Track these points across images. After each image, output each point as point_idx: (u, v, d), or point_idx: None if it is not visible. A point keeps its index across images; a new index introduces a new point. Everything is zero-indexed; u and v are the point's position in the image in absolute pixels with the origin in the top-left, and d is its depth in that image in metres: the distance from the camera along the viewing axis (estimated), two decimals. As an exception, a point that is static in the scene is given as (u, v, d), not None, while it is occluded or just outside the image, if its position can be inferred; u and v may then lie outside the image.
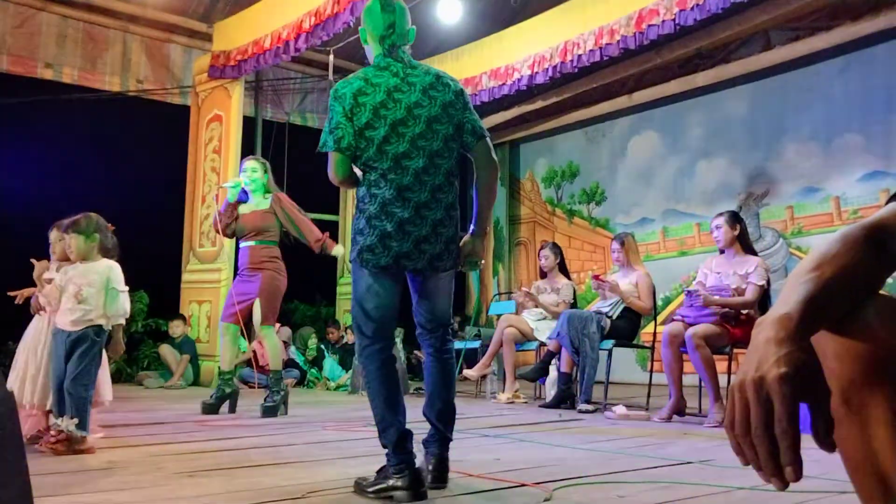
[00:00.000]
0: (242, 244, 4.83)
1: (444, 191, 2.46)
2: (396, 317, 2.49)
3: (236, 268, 5.03)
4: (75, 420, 3.01)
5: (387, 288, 2.43)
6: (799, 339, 0.82)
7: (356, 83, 2.42)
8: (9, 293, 3.64)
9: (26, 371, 3.33)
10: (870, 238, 0.93)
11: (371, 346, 2.42)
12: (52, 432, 3.03)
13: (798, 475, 0.78)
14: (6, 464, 0.85)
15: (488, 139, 2.57)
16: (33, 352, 3.37)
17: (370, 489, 2.26)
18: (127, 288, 3.30)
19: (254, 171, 4.86)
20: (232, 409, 4.73)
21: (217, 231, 4.86)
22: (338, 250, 4.96)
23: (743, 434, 0.80)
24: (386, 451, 2.33)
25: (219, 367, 4.94)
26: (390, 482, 2.23)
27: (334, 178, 2.45)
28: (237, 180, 4.88)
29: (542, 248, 6.14)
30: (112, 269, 3.28)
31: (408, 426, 2.41)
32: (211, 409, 4.62)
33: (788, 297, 0.87)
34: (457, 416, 2.73)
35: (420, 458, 2.40)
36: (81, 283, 3.19)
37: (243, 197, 4.86)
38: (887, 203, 1.02)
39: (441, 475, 2.40)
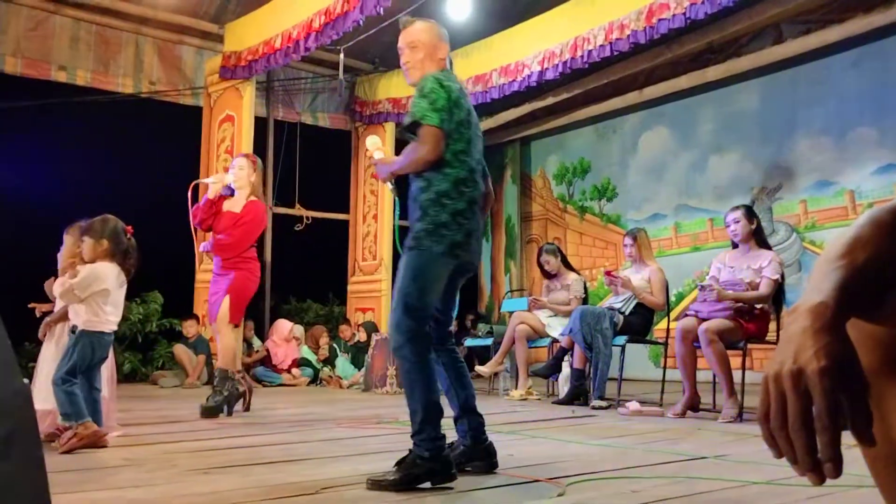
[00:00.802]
0: (214, 236, 4.71)
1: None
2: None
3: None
4: (61, 413, 3.07)
5: (450, 285, 2.57)
6: (836, 328, 0.79)
7: (456, 83, 2.59)
8: (30, 305, 3.66)
9: (45, 372, 3.37)
10: None
11: (421, 329, 2.45)
12: (63, 436, 3.06)
13: (838, 472, 0.75)
14: (23, 455, 0.85)
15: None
16: (53, 353, 3.41)
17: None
18: (102, 288, 3.25)
19: (241, 169, 4.76)
20: (246, 408, 4.65)
21: (191, 225, 4.71)
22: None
23: (779, 427, 0.78)
24: (417, 438, 2.38)
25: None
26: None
27: (431, 153, 2.48)
28: (220, 176, 4.81)
29: (539, 255, 6.12)
30: (91, 271, 3.26)
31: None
32: (213, 412, 4.43)
33: (821, 285, 0.84)
34: None
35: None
36: (73, 287, 3.23)
37: (227, 192, 4.77)
38: None
39: (495, 460, 2.60)
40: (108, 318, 3.30)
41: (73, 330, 3.25)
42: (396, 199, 2.71)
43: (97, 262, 3.30)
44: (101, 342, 3.27)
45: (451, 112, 2.49)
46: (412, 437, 2.40)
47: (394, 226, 2.75)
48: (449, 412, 2.59)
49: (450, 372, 2.64)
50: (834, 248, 0.88)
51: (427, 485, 2.31)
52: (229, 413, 4.47)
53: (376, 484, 2.28)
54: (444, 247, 2.45)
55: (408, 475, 2.29)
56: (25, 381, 0.91)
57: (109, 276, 3.29)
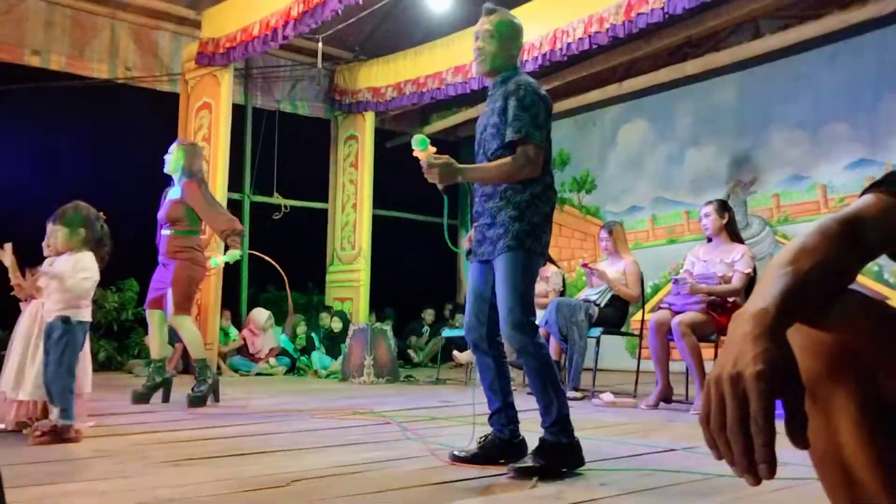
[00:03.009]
0: (161, 232, 4.70)
1: None
2: None
3: None
4: (59, 408, 3.02)
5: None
6: (775, 334, 0.81)
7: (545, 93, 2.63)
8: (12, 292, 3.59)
9: (16, 359, 3.32)
10: (845, 231, 0.94)
11: (535, 324, 2.54)
12: (39, 427, 3.03)
13: (772, 473, 0.78)
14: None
15: None
16: (25, 341, 3.35)
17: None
18: (88, 276, 3.20)
19: (169, 155, 4.75)
20: (165, 399, 4.57)
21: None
22: (231, 256, 4.71)
23: (718, 429, 0.80)
24: (566, 422, 2.46)
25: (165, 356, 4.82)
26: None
27: (535, 172, 2.56)
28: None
29: None
30: (77, 261, 3.21)
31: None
32: (142, 398, 4.46)
33: (765, 291, 0.86)
34: (444, 405, 2.78)
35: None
36: (51, 276, 3.18)
37: (172, 183, 4.79)
38: (862, 195, 1.03)
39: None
40: (89, 307, 3.27)
41: (66, 321, 3.14)
42: (446, 196, 2.70)
43: (79, 252, 3.25)
44: (85, 331, 3.24)
45: (547, 126, 2.60)
46: (548, 427, 2.47)
47: (444, 224, 2.76)
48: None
49: (497, 365, 2.70)
50: (782, 256, 0.91)
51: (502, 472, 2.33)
52: (216, 400, 4.53)
53: (521, 471, 2.34)
54: (542, 246, 2.58)
55: (550, 462, 2.39)
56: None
57: (89, 265, 3.25)
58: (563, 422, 2.47)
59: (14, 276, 3.45)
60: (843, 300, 0.89)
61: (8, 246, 3.41)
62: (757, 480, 0.78)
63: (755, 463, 0.78)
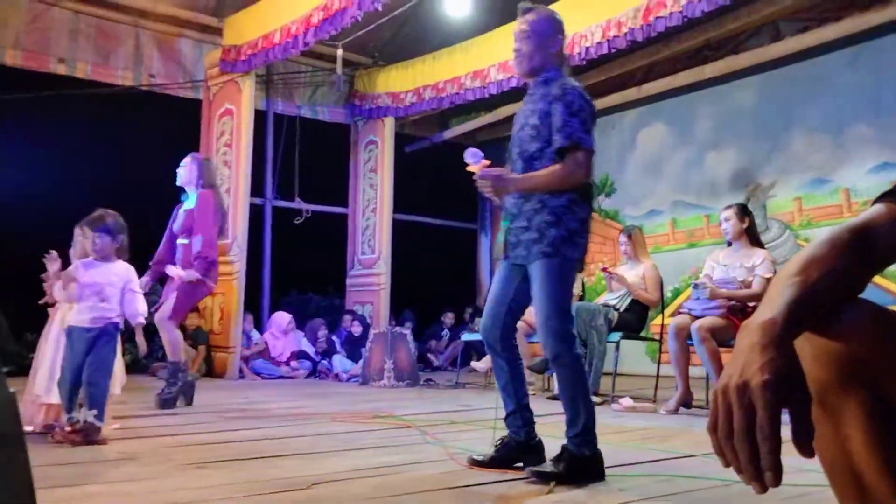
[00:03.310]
0: (178, 241, 4.79)
1: None
2: None
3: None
4: (94, 411, 3.08)
5: None
6: (782, 345, 0.83)
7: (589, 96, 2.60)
8: (41, 301, 3.65)
9: (47, 364, 3.40)
10: (855, 241, 0.94)
11: (573, 333, 2.56)
12: (67, 424, 3.09)
13: (778, 481, 0.79)
14: (8, 459, 0.89)
15: None
16: (56, 345, 3.43)
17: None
18: (139, 289, 3.39)
19: (183, 167, 4.86)
20: (188, 402, 4.63)
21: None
22: (175, 272, 4.72)
23: (725, 438, 0.82)
24: (591, 430, 2.47)
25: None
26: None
27: (587, 177, 2.57)
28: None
29: None
30: (130, 272, 3.39)
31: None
32: (168, 403, 4.51)
33: (773, 301, 0.88)
34: (463, 408, 2.78)
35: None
36: (104, 283, 3.26)
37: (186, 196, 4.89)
38: (874, 203, 1.04)
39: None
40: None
41: (116, 327, 3.27)
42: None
43: (119, 261, 3.37)
44: (118, 331, 3.33)
45: (593, 129, 2.58)
46: (572, 437, 2.48)
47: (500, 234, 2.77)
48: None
49: (511, 367, 2.71)
50: (790, 266, 0.92)
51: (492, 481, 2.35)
52: (189, 403, 4.57)
53: (540, 475, 2.37)
54: (579, 253, 2.56)
55: (569, 471, 2.38)
56: (12, 389, 0.95)
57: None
58: (588, 434, 2.47)
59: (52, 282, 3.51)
60: (852, 309, 0.90)
61: (55, 254, 3.49)
62: (763, 488, 0.79)
63: (761, 470, 0.79)
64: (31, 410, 3.38)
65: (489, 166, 2.63)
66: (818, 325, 0.89)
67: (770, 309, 0.86)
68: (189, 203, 4.83)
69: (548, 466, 2.42)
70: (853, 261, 0.92)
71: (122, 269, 3.36)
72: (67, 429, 3.07)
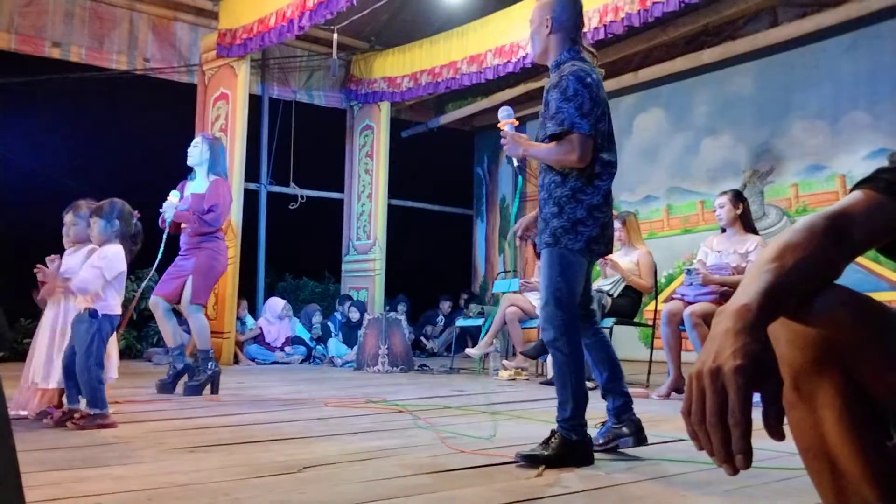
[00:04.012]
0: (183, 225, 4.71)
1: None
2: None
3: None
4: (87, 398, 3.11)
5: (585, 274, 2.62)
6: (755, 330, 0.84)
7: (596, 74, 2.57)
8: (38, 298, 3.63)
9: (44, 350, 3.41)
10: (832, 227, 0.95)
11: (573, 321, 2.56)
12: (76, 413, 3.12)
13: (748, 463, 0.80)
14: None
15: None
16: (50, 330, 3.44)
17: (600, 447, 2.61)
18: (118, 272, 3.28)
19: (195, 147, 4.76)
20: (214, 390, 4.59)
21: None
22: (170, 205, 4.57)
23: (698, 422, 0.83)
24: (566, 424, 2.49)
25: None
26: (620, 429, 2.64)
27: (582, 162, 2.51)
28: (170, 202, 4.60)
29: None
30: (101, 252, 3.28)
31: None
32: (167, 387, 4.52)
33: (748, 288, 0.88)
34: (457, 393, 2.81)
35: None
36: (77, 269, 3.26)
37: (193, 176, 4.82)
38: (852, 190, 1.05)
39: (645, 434, 2.65)
40: (121, 300, 3.35)
41: (93, 314, 3.22)
42: (521, 178, 2.77)
43: (110, 245, 3.32)
44: (114, 324, 3.31)
45: (594, 112, 2.52)
46: (561, 421, 2.51)
47: (513, 210, 2.86)
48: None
49: (593, 353, 2.73)
50: (766, 253, 0.92)
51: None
52: (214, 391, 4.54)
53: (528, 458, 2.39)
54: (581, 244, 2.53)
55: (558, 454, 2.41)
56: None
57: (124, 259, 3.33)
58: (577, 419, 2.49)
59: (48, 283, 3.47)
60: (828, 294, 0.91)
61: (56, 257, 3.48)
62: (734, 470, 0.80)
63: (732, 453, 0.80)
64: (26, 396, 3.40)
65: (517, 127, 2.65)
66: (794, 309, 0.90)
67: (745, 295, 0.87)
68: (198, 187, 4.73)
69: (536, 449, 2.44)
70: (829, 247, 0.92)
71: (105, 253, 3.29)
72: (76, 417, 3.09)
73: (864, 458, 0.89)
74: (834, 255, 0.93)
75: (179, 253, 4.74)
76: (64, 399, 3.31)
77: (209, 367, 4.55)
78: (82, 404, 3.16)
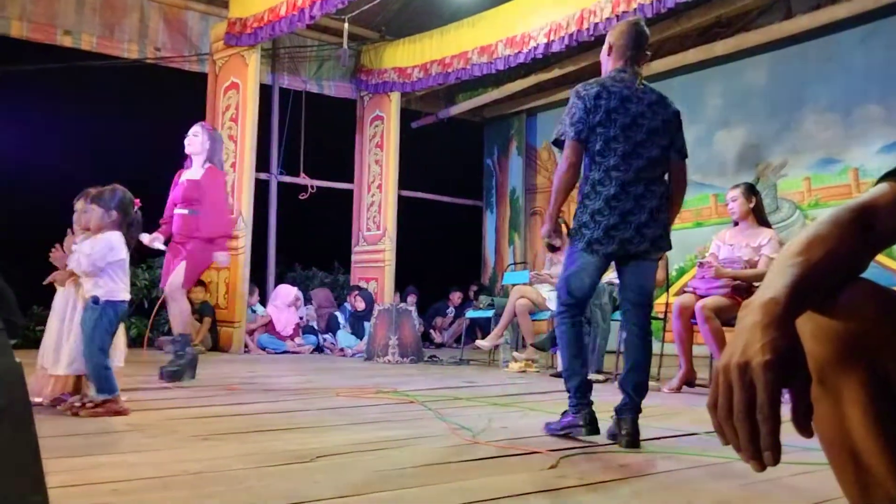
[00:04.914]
0: (176, 211, 4.73)
1: (658, 184, 2.85)
2: (591, 295, 2.98)
3: None
4: (94, 384, 3.12)
5: (597, 270, 2.85)
6: (784, 324, 0.83)
7: (596, 88, 2.84)
8: (45, 282, 3.64)
9: (53, 336, 3.42)
10: (858, 220, 0.94)
11: (566, 312, 2.87)
12: (88, 400, 3.14)
13: (776, 459, 0.79)
14: (15, 429, 0.91)
15: (685, 161, 2.98)
16: (59, 317, 3.45)
17: (559, 430, 2.80)
18: (115, 259, 3.27)
19: (195, 136, 4.79)
20: (191, 376, 4.61)
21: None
22: (217, 260, 4.80)
23: (725, 416, 0.82)
24: (569, 395, 2.82)
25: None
26: (570, 419, 2.78)
27: (566, 160, 2.82)
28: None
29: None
30: (96, 242, 3.27)
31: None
32: (174, 376, 4.51)
33: (775, 281, 0.87)
34: (467, 384, 2.84)
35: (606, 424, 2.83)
36: (82, 255, 3.26)
37: (189, 164, 4.86)
38: (878, 182, 1.03)
39: (635, 440, 2.67)
40: (126, 286, 3.35)
41: (95, 301, 3.23)
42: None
43: (107, 232, 3.33)
44: (121, 311, 3.32)
45: (586, 120, 2.79)
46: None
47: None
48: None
49: (630, 336, 2.90)
50: (792, 245, 0.91)
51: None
52: (192, 376, 4.56)
53: (551, 431, 2.80)
54: (583, 244, 2.81)
55: (563, 425, 2.78)
56: (18, 360, 0.95)
57: (123, 246, 3.33)
58: (569, 392, 2.81)
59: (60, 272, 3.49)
60: (853, 288, 0.90)
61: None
62: (762, 467, 0.80)
63: (760, 449, 0.79)
64: (40, 383, 3.41)
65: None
66: (819, 303, 0.89)
67: (772, 288, 0.86)
68: (193, 174, 4.78)
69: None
70: (855, 240, 0.91)
71: (93, 242, 3.29)
72: (90, 404, 3.11)
73: (890, 453, 0.88)
74: (860, 248, 0.92)
75: (172, 242, 4.75)
76: (85, 386, 3.32)
77: (188, 351, 4.55)
78: (92, 391, 3.17)
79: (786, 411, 0.79)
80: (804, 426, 0.80)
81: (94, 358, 3.16)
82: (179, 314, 4.62)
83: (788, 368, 0.80)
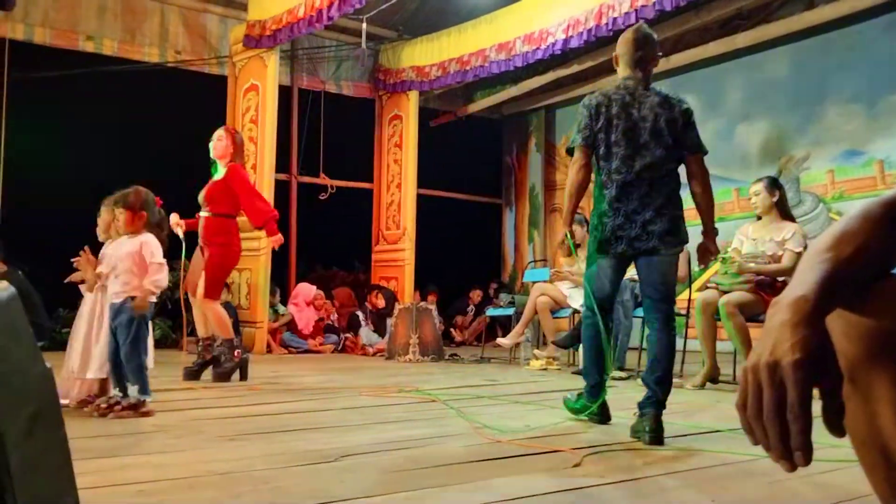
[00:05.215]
0: (201, 213, 4.78)
1: (663, 183, 2.92)
2: (614, 294, 3.09)
3: None
4: (137, 385, 3.17)
5: (615, 272, 2.99)
6: (814, 322, 0.81)
7: (598, 98, 3.00)
8: (66, 280, 3.69)
9: (81, 341, 3.47)
10: (889, 215, 0.92)
11: (588, 313, 3.05)
12: (116, 402, 3.18)
13: (808, 460, 0.78)
14: (47, 433, 0.92)
15: (702, 154, 3.04)
16: (88, 321, 3.50)
17: (572, 406, 3.16)
18: (161, 260, 3.34)
19: (219, 140, 4.84)
20: (243, 377, 4.68)
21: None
22: (276, 241, 4.84)
23: (755, 416, 0.81)
24: (585, 385, 3.11)
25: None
26: (585, 402, 3.10)
27: (575, 162, 3.03)
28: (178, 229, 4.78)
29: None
30: (144, 244, 3.33)
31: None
32: (193, 375, 4.60)
33: (805, 278, 0.86)
34: (488, 383, 2.88)
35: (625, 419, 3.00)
36: (117, 259, 3.30)
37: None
38: None
39: (658, 434, 2.68)
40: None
41: (120, 308, 3.26)
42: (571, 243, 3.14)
43: (144, 234, 3.37)
44: (151, 312, 3.36)
45: (591, 126, 2.98)
46: None
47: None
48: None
49: (652, 333, 2.97)
50: (822, 241, 0.90)
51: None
52: (243, 378, 4.62)
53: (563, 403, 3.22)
54: (595, 245, 2.98)
55: (579, 408, 3.13)
56: (48, 364, 0.97)
57: (160, 247, 3.38)
58: (589, 384, 3.09)
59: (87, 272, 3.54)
60: (884, 284, 0.88)
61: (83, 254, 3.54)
62: (792, 467, 0.79)
63: (791, 449, 0.78)
64: (66, 385, 3.46)
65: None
66: (850, 301, 0.88)
67: (801, 286, 0.84)
68: (217, 176, 4.83)
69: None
70: (886, 236, 0.90)
71: (134, 244, 3.34)
72: (118, 407, 3.15)
73: (921, 451, 0.87)
74: (891, 244, 0.90)
75: (199, 245, 4.81)
76: (111, 387, 3.36)
77: (236, 354, 4.62)
78: (132, 391, 3.20)
79: (816, 410, 0.78)
80: (836, 425, 0.79)
81: (135, 359, 3.20)
82: (215, 321, 4.66)
83: (819, 367, 0.79)
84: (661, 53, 3.15)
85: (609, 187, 2.92)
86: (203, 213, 4.76)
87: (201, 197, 4.79)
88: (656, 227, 2.85)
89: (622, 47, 3.05)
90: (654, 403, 2.74)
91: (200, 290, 4.64)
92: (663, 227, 2.86)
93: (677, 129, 2.93)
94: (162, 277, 3.33)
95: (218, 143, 4.84)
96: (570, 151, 3.09)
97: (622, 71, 3.06)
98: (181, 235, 4.74)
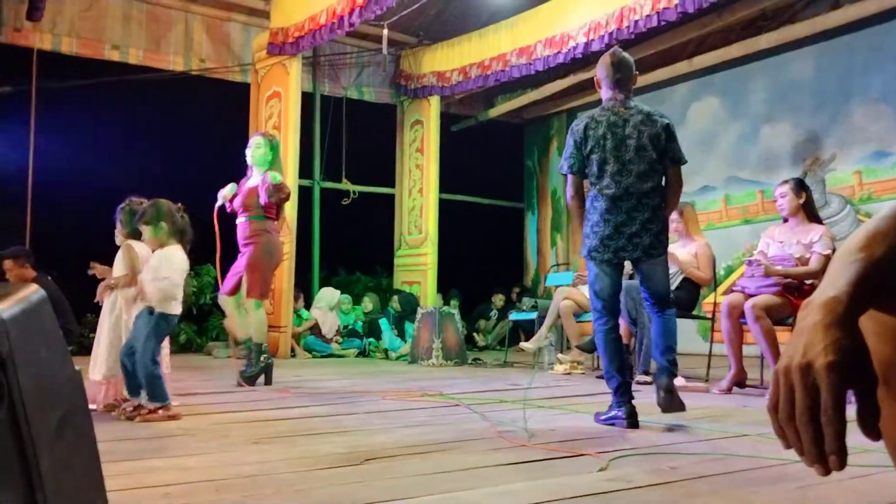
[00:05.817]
0: (238, 220, 4.82)
1: (649, 197, 3.17)
2: (619, 298, 3.28)
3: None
4: (146, 391, 3.21)
5: (609, 275, 3.22)
6: (847, 324, 0.79)
7: (585, 122, 3.23)
8: (89, 271, 3.74)
9: (106, 346, 3.52)
10: None
11: (600, 318, 3.23)
12: (143, 408, 3.23)
13: (842, 464, 0.77)
14: (76, 436, 0.93)
15: (681, 166, 3.28)
16: (110, 326, 3.55)
17: (604, 421, 3.13)
18: (171, 274, 3.34)
19: (257, 147, 4.86)
20: (267, 381, 4.67)
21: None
22: (273, 177, 4.72)
23: (787, 419, 0.79)
24: (611, 393, 3.17)
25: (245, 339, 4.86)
26: (614, 413, 3.11)
27: (567, 194, 3.33)
28: (225, 193, 4.84)
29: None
30: (164, 258, 3.36)
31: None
32: (250, 380, 4.60)
33: (836, 279, 0.84)
34: (512, 387, 2.85)
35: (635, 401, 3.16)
36: (144, 268, 3.36)
37: (250, 174, 4.91)
38: None
39: (672, 400, 3.12)
40: (180, 300, 3.42)
41: (150, 312, 3.32)
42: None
43: (166, 247, 3.40)
44: (171, 323, 3.39)
45: (579, 150, 3.22)
46: None
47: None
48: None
49: (654, 326, 3.30)
50: (853, 241, 0.88)
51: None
52: (268, 382, 4.63)
53: (597, 416, 3.21)
54: (587, 252, 3.25)
55: (607, 418, 3.14)
56: (77, 368, 0.98)
57: (178, 260, 3.39)
58: (612, 387, 3.15)
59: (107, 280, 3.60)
60: None
61: (94, 264, 3.59)
62: (826, 471, 0.77)
63: (824, 453, 0.77)
64: (93, 390, 3.51)
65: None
66: (883, 302, 0.86)
67: (833, 287, 0.83)
68: (253, 181, 4.83)
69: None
70: None
71: (155, 256, 3.39)
72: (144, 411, 3.19)
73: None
74: None
75: (240, 246, 4.84)
76: (125, 392, 3.40)
77: (262, 359, 4.63)
78: (143, 398, 3.24)
79: (850, 413, 0.76)
80: (871, 428, 0.77)
81: (146, 368, 3.23)
82: (255, 323, 4.69)
83: (853, 369, 0.77)
84: (637, 72, 3.34)
85: (600, 201, 3.19)
86: (241, 219, 4.80)
87: (238, 203, 4.81)
88: (641, 241, 3.16)
89: (602, 70, 3.28)
90: (664, 370, 3.16)
91: (245, 288, 4.66)
92: (647, 242, 3.16)
93: (661, 143, 3.18)
94: (150, 292, 3.31)
95: (256, 151, 4.86)
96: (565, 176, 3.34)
97: (605, 92, 3.30)
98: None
